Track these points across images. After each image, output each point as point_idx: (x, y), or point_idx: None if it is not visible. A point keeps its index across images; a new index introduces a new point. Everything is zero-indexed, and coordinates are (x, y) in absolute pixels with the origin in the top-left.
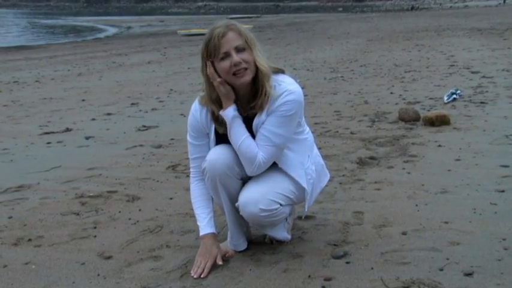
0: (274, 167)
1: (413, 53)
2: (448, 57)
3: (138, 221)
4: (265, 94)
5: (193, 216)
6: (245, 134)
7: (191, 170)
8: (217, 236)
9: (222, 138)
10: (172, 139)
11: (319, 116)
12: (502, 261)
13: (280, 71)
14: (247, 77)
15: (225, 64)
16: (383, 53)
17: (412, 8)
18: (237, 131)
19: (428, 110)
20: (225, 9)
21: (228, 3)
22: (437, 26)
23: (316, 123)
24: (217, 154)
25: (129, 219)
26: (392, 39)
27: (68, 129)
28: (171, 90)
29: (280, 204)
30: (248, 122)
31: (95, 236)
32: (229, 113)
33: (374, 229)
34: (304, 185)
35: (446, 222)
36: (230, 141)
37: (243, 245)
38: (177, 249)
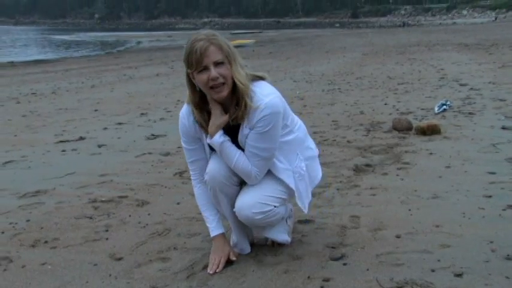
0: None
1: (406, 67)
2: (438, 71)
3: (147, 225)
4: (245, 106)
5: (199, 220)
6: (236, 154)
7: (191, 173)
8: (226, 234)
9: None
10: (179, 147)
11: (318, 125)
12: (489, 262)
13: (259, 79)
14: (224, 92)
15: (203, 77)
16: (377, 66)
17: (404, 25)
18: (229, 153)
19: (420, 120)
20: (229, 25)
21: (231, 19)
22: (428, 41)
23: (314, 133)
24: (215, 166)
25: (139, 222)
26: (386, 53)
27: (81, 138)
28: (178, 101)
29: (274, 206)
30: (234, 130)
31: (107, 239)
32: (216, 141)
33: (370, 232)
34: (292, 185)
35: (438, 226)
36: (223, 159)
37: (248, 249)
38: (184, 251)
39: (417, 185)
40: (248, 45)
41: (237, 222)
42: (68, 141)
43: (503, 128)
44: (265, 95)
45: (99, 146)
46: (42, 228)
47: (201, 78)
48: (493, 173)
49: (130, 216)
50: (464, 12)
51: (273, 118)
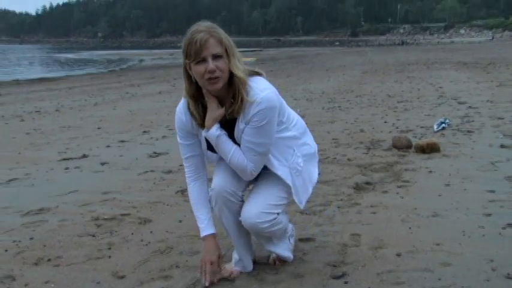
0: (264, 173)
1: (405, 85)
2: (437, 89)
3: (149, 243)
4: (241, 100)
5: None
6: (232, 148)
7: (186, 170)
8: (217, 235)
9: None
10: (181, 165)
11: (318, 143)
12: (490, 281)
13: (256, 74)
14: (218, 85)
15: (200, 69)
16: (377, 84)
17: (403, 43)
18: (224, 147)
19: (420, 138)
20: None
21: (233, 37)
22: (426, 59)
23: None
24: (221, 182)
25: (141, 240)
26: (386, 71)
27: (84, 156)
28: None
29: (277, 213)
30: (230, 125)
31: (110, 257)
32: (213, 134)
33: (370, 251)
34: (288, 181)
35: (438, 244)
36: (219, 154)
37: (250, 267)
38: (185, 269)
39: (417, 203)
40: (249, 63)
41: (240, 240)
42: (71, 158)
43: (502, 146)
44: (262, 89)
45: (102, 164)
46: (45, 246)
47: (198, 70)
48: (493, 191)
49: (132, 234)
50: (462, 31)
51: (268, 113)
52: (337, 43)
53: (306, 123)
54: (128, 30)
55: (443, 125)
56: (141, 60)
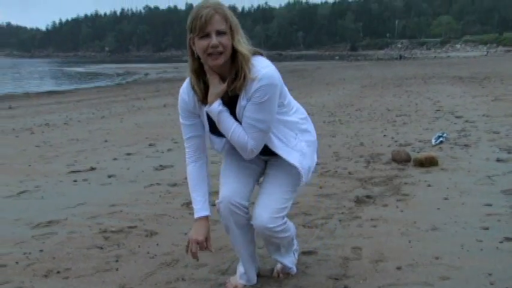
0: (269, 172)
1: (403, 99)
2: (434, 103)
3: (155, 255)
4: (244, 77)
5: (206, 251)
6: (233, 125)
7: (186, 150)
8: (210, 218)
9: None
10: (185, 178)
11: (320, 156)
12: None
13: (258, 53)
14: (220, 60)
15: (203, 43)
16: (376, 98)
17: (401, 57)
18: (226, 124)
19: (418, 152)
20: None
21: None
22: (423, 74)
23: (317, 164)
24: (227, 193)
25: (148, 253)
26: (384, 85)
27: (92, 168)
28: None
29: (284, 216)
30: (232, 104)
31: (117, 269)
32: (215, 109)
33: (371, 264)
34: (294, 162)
35: (437, 258)
36: (220, 131)
37: (255, 279)
38: (191, 282)
39: (416, 216)
40: None
41: (246, 252)
42: (79, 171)
43: (498, 160)
44: (263, 67)
45: (109, 177)
46: (54, 258)
47: (201, 44)
48: (490, 205)
49: (139, 246)
50: (458, 46)
51: (269, 89)
52: (337, 57)
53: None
54: (134, 45)
55: (441, 139)
56: (147, 74)
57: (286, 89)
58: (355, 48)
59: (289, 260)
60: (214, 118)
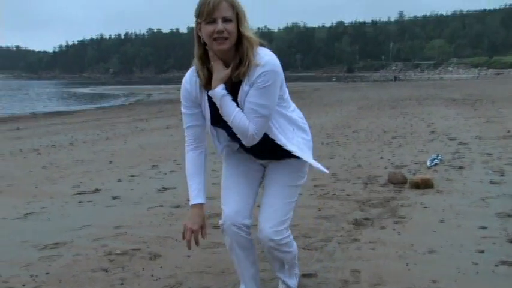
0: (270, 184)
1: (399, 120)
2: (428, 125)
3: (159, 278)
4: (248, 63)
5: (209, 273)
6: (235, 109)
7: (186, 139)
8: (205, 205)
9: (213, 102)
10: (188, 200)
11: (318, 178)
12: None
13: (261, 44)
14: (225, 45)
15: (210, 28)
16: (372, 119)
17: (396, 79)
18: (228, 108)
19: (414, 174)
20: None
21: None
22: (418, 95)
23: (315, 186)
24: (230, 212)
25: (152, 275)
26: (380, 107)
27: (97, 190)
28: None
29: (287, 228)
30: (234, 91)
31: None
32: (218, 92)
33: (370, 287)
34: (293, 149)
35: (435, 281)
36: (222, 116)
37: None
38: None
39: (413, 239)
40: None
41: (248, 274)
42: (84, 192)
43: (492, 182)
44: (266, 54)
45: (114, 198)
46: (60, 281)
47: (207, 29)
48: (484, 228)
49: (143, 269)
50: (450, 68)
51: (272, 75)
52: (334, 79)
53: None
54: (137, 66)
55: (436, 161)
56: (150, 95)
57: (286, 84)
58: (351, 70)
59: (292, 282)
60: (217, 102)
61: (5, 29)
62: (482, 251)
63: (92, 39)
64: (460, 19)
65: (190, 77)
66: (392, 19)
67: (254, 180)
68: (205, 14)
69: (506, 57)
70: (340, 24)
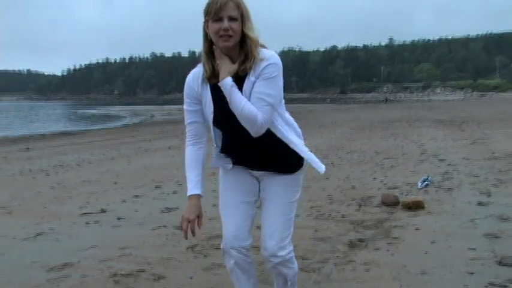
0: (267, 199)
1: (390, 142)
2: (419, 146)
3: None
4: (253, 59)
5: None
6: (244, 99)
7: (187, 134)
8: (202, 196)
9: (217, 96)
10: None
11: (315, 200)
12: None
13: (263, 46)
14: (229, 43)
15: (216, 26)
16: (365, 141)
17: (387, 100)
18: (237, 98)
19: (406, 195)
20: None
21: None
22: (408, 116)
23: (312, 207)
24: (231, 236)
25: None
26: (372, 128)
27: (103, 210)
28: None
29: (291, 241)
30: (239, 83)
31: None
32: (227, 83)
33: None
34: (294, 140)
35: None
36: (231, 107)
37: None
38: None
39: (406, 260)
40: None
41: None
42: (91, 213)
43: (479, 203)
44: (269, 51)
45: (119, 219)
46: None
47: (214, 27)
48: (473, 249)
49: None
50: (438, 90)
51: (276, 68)
52: (328, 100)
53: (303, 180)
54: (140, 88)
55: (427, 182)
56: (152, 116)
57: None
58: (344, 92)
59: None
60: (227, 92)
61: (17, 53)
62: (472, 273)
63: (98, 62)
64: (446, 44)
65: (193, 75)
66: (383, 44)
67: (250, 198)
68: (212, 13)
69: (489, 80)
70: (334, 48)
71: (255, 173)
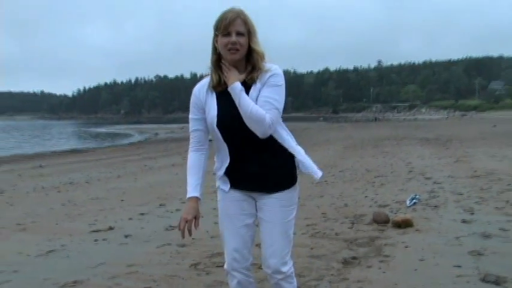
0: (265, 220)
1: (380, 160)
2: (407, 164)
3: None
4: (259, 70)
5: None
6: (252, 102)
7: (191, 140)
8: (200, 199)
9: (221, 101)
10: (193, 239)
11: (310, 217)
12: None
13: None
14: (237, 56)
15: (225, 40)
16: (356, 159)
17: (376, 119)
18: (246, 100)
19: (396, 213)
20: None
21: None
22: (396, 135)
23: (307, 225)
24: (233, 257)
25: None
26: (363, 146)
27: (110, 228)
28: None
29: (290, 256)
30: (246, 88)
31: None
32: (237, 87)
33: None
34: (294, 146)
35: None
36: (240, 109)
37: None
38: None
39: (397, 278)
40: None
41: None
42: (99, 230)
43: (463, 221)
44: (273, 64)
45: (126, 236)
46: None
47: (222, 41)
48: (459, 266)
49: None
50: (423, 110)
51: (280, 78)
52: (321, 118)
53: (299, 198)
54: (145, 108)
55: (415, 200)
56: (156, 134)
57: None
58: (336, 111)
59: None
60: (236, 95)
61: (32, 75)
62: None
63: (105, 84)
64: (430, 67)
65: (199, 85)
66: (372, 66)
67: (249, 221)
68: (222, 28)
69: (469, 101)
70: (326, 70)
71: (252, 193)
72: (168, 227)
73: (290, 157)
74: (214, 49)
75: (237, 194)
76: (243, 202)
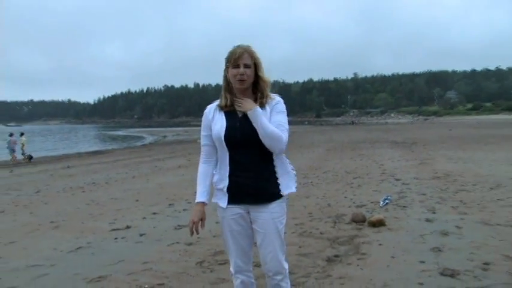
0: (260, 231)
1: (357, 162)
2: (379, 166)
3: None
4: (266, 97)
5: None
6: (270, 124)
7: (201, 153)
8: (206, 204)
9: (229, 118)
10: (199, 237)
11: (298, 217)
12: None
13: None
14: (244, 85)
15: (234, 71)
16: (337, 161)
17: (353, 123)
18: (266, 123)
19: (371, 213)
20: None
21: None
22: (370, 138)
23: (296, 224)
24: (238, 266)
25: None
26: (343, 149)
27: (128, 227)
28: (195, 192)
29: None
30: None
31: None
32: (258, 110)
33: None
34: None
35: None
36: (260, 129)
37: None
38: None
39: (372, 274)
40: None
41: None
42: (118, 229)
43: (427, 220)
44: (276, 95)
45: (141, 235)
46: None
47: (232, 72)
48: (423, 262)
49: None
50: (392, 115)
51: (283, 106)
52: (306, 122)
53: (288, 198)
54: (155, 113)
55: (387, 201)
56: (165, 136)
57: None
58: (319, 116)
59: None
60: (258, 118)
61: (61, 86)
62: (422, 284)
63: (121, 93)
64: (398, 79)
65: (209, 107)
66: (349, 77)
67: (248, 231)
68: (232, 61)
69: (430, 107)
70: (310, 81)
71: (248, 206)
72: (177, 226)
73: (281, 169)
74: (226, 77)
75: (234, 210)
76: (240, 218)
